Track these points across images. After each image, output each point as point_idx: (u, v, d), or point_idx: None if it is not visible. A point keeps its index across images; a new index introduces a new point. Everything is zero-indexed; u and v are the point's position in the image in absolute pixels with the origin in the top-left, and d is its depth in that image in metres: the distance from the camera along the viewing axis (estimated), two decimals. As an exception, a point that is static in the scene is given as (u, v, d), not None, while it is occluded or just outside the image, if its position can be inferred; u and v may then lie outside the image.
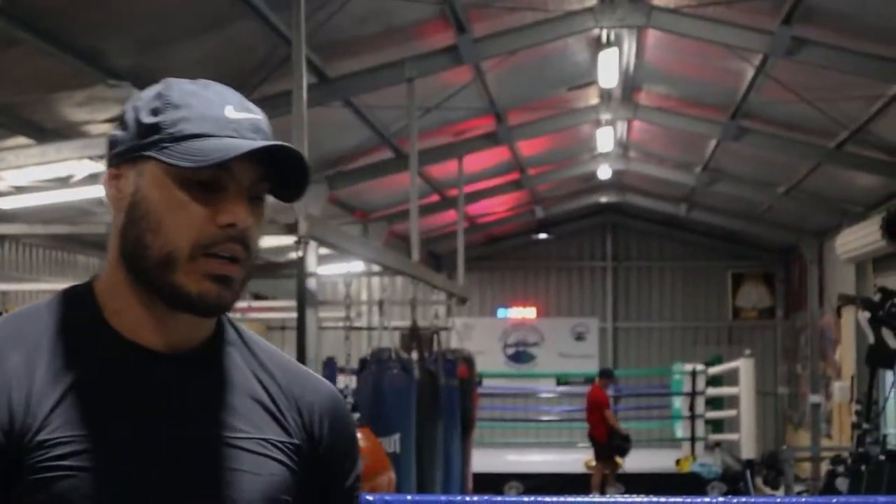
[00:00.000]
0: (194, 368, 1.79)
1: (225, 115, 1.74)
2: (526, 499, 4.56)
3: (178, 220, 1.71)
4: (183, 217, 1.71)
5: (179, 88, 1.77)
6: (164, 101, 1.75)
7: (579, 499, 4.75)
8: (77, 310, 1.79)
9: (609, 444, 17.66)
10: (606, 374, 18.59)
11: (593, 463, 18.93)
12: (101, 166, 12.76)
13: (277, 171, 1.77)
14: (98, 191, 13.71)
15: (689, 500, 4.71)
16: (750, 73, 12.89)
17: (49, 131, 11.19)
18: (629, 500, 4.97)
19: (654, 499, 4.70)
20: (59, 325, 1.77)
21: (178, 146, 1.71)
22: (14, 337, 1.74)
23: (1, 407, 1.67)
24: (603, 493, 17.10)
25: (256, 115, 1.78)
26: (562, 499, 4.67)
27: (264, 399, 1.85)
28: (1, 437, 1.66)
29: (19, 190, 13.26)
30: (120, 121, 1.81)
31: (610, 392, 19.39)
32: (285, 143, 1.74)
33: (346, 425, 1.97)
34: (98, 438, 1.68)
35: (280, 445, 1.83)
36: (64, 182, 13.25)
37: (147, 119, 1.75)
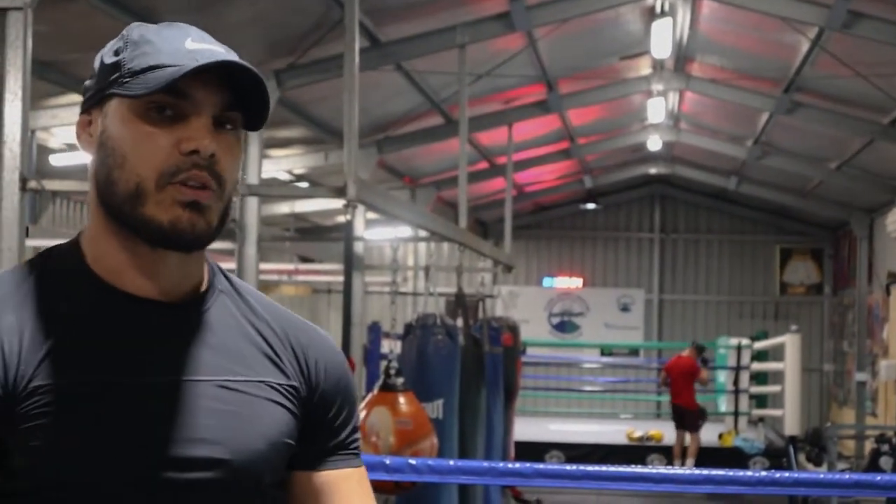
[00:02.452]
0: (183, 314, 1.77)
1: (184, 47, 1.72)
2: (568, 466, 4.57)
3: (142, 151, 1.70)
4: (146, 148, 1.70)
5: (141, 28, 1.78)
6: (124, 41, 1.76)
7: (623, 468, 4.75)
8: (63, 262, 1.78)
9: (699, 411, 17.57)
10: (700, 347, 18.40)
11: (636, 434, 18.91)
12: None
13: (246, 100, 1.75)
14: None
15: (731, 473, 4.70)
16: (805, 46, 12.77)
17: (102, 89, 11.25)
18: (674, 471, 4.96)
19: (697, 471, 4.70)
20: (45, 278, 1.76)
21: (136, 79, 1.70)
22: (7, 296, 1.73)
23: None
24: (684, 462, 17.07)
25: (219, 47, 1.76)
26: (605, 467, 4.67)
27: (259, 342, 1.83)
28: None
29: (71, 147, 13.36)
30: (92, 69, 1.82)
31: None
32: (235, 60, 1.72)
33: (342, 374, 1.93)
34: (87, 385, 1.66)
35: (279, 388, 1.81)
36: (115, 140, 13.36)
37: (109, 60, 1.76)
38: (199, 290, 1.81)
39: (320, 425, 1.87)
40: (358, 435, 1.95)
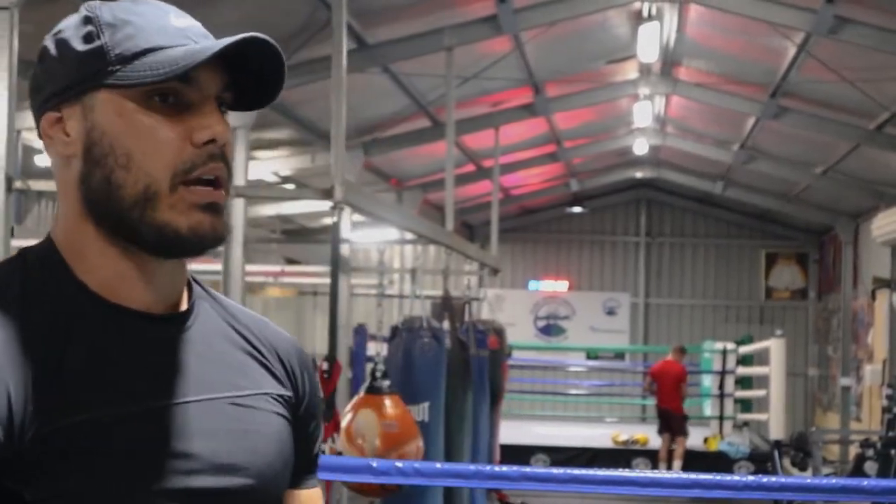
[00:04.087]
0: (183, 327, 1.60)
1: (172, 24, 1.53)
2: (555, 470, 4.56)
3: (150, 147, 1.50)
4: (154, 143, 1.50)
5: (109, 8, 1.56)
6: (96, 23, 1.54)
7: (609, 471, 4.74)
8: (46, 275, 1.55)
9: (685, 416, 17.63)
10: (683, 350, 18.44)
11: (621, 437, 18.92)
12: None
13: (240, 78, 1.57)
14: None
15: (719, 477, 4.70)
16: (791, 51, 12.79)
17: (88, 90, 11.21)
18: (661, 475, 4.96)
19: (685, 475, 4.70)
20: (32, 296, 1.52)
21: (132, 66, 1.50)
22: None
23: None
24: (670, 466, 17.08)
25: (196, 21, 1.58)
26: (591, 471, 4.67)
27: (252, 351, 1.68)
28: (1, 434, 1.42)
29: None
30: (42, 59, 1.59)
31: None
32: (263, 36, 1.52)
33: (317, 385, 1.79)
34: (105, 421, 1.46)
35: (278, 399, 1.67)
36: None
37: (83, 47, 1.53)
38: (184, 298, 1.63)
39: (305, 437, 1.74)
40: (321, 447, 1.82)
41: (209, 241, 1.53)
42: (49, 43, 1.58)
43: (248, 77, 1.57)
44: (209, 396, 1.57)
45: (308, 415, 1.74)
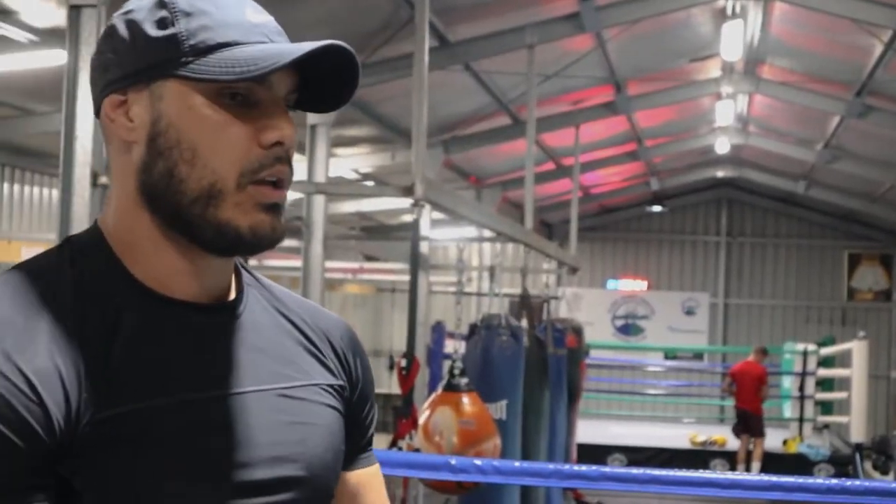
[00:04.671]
0: (234, 317, 1.59)
1: (248, 19, 1.51)
2: (635, 470, 4.53)
3: (218, 145, 1.48)
4: (222, 141, 1.48)
5: None
6: (171, 9, 1.50)
7: (689, 472, 4.70)
8: (95, 265, 1.53)
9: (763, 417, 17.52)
10: (765, 351, 18.28)
11: (699, 438, 18.77)
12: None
13: (309, 80, 1.55)
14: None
15: (801, 480, 4.64)
16: (878, 49, 12.61)
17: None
18: (742, 477, 4.91)
19: (766, 478, 4.65)
20: (82, 286, 1.50)
21: (207, 59, 1.47)
22: (36, 305, 1.46)
23: (55, 392, 1.41)
24: (749, 467, 16.93)
25: (271, 17, 1.55)
26: (672, 472, 4.63)
27: (302, 341, 1.67)
28: (60, 420, 1.41)
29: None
30: (109, 38, 1.55)
31: None
32: (343, 44, 1.49)
33: (369, 367, 1.78)
34: (160, 410, 1.46)
35: (329, 389, 1.67)
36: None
37: (156, 33, 1.50)
38: (233, 287, 1.62)
39: (358, 423, 1.75)
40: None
41: (267, 242, 1.52)
42: (119, 22, 1.54)
43: (320, 82, 1.55)
44: (258, 388, 1.57)
45: (361, 400, 1.75)
